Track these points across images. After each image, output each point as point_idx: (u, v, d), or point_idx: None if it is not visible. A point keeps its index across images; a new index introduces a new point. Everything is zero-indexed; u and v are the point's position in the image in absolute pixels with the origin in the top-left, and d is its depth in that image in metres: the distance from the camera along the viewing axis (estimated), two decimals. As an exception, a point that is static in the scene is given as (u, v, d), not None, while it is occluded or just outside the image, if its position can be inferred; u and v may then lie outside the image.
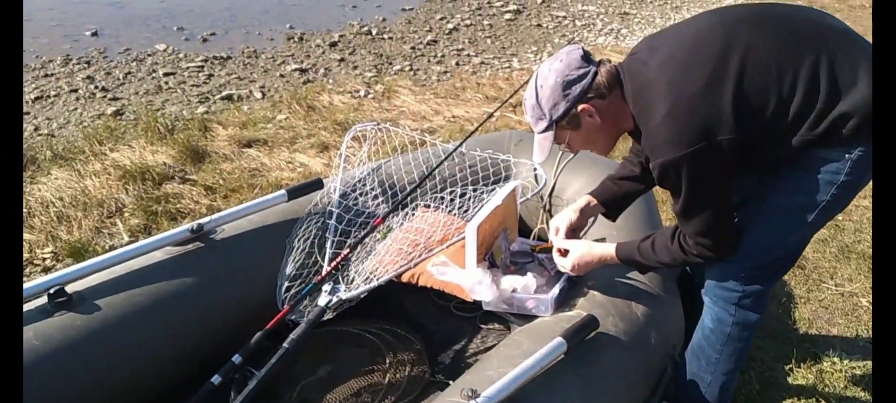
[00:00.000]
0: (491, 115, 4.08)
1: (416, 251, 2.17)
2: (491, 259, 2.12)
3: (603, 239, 2.08)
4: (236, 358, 1.95)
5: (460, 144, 2.62)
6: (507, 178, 2.58)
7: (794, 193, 1.68)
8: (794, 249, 1.81)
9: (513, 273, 2.13)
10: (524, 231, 2.61)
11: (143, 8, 7.90)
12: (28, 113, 4.84)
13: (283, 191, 2.30)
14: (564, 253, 1.97)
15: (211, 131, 4.00)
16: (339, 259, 2.20)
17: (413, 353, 2.25)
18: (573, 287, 2.08)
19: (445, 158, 2.51)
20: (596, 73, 1.70)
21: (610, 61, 1.75)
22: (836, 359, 2.43)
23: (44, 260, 2.72)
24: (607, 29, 7.90)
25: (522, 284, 2.02)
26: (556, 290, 2.00)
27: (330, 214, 2.32)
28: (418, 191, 2.48)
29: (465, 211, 2.37)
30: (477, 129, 3.08)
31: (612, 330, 1.82)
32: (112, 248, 2.85)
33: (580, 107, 1.70)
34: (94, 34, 6.82)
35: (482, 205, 2.14)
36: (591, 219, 2.14)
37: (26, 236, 2.84)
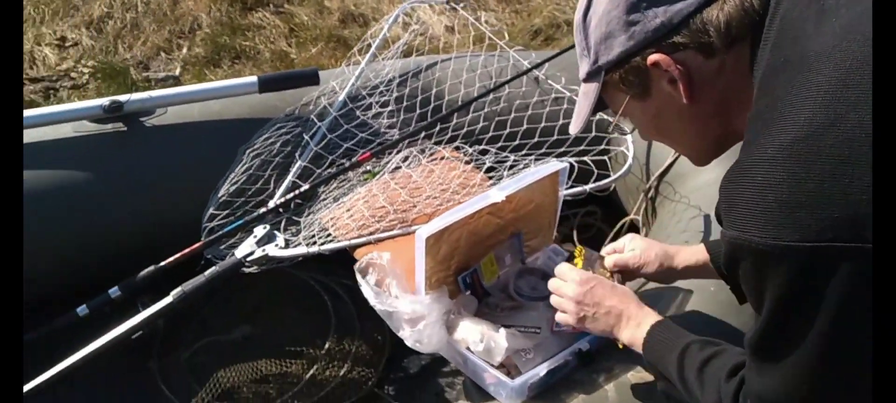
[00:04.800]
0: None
1: (386, 219, 1.47)
2: (470, 278, 1.35)
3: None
4: (113, 292, 1.51)
5: (540, 64, 1.74)
6: (597, 141, 1.66)
7: None
8: None
9: (505, 310, 1.35)
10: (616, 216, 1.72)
11: None
12: None
13: (253, 78, 1.68)
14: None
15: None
16: (293, 193, 1.59)
17: (366, 346, 1.64)
18: (582, 369, 1.25)
19: (492, 90, 1.68)
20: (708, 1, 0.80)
21: None
22: None
23: (82, 74, 2.48)
24: None
25: (488, 339, 1.24)
26: (540, 370, 1.20)
27: (314, 124, 1.67)
28: (449, 122, 1.71)
29: (500, 177, 1.57)
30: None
31: None
32: (165, 81, 2.54)
33: (652, 56, 0.83)
34: None
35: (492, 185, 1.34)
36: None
37: (85, 40, 2.61)
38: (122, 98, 1.54)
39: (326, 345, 1.63)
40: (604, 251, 1.27)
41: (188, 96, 1.67)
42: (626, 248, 1.25)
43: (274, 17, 2.86)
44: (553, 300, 1.19)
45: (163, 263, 1.52)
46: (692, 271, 1.22)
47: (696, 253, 1.22)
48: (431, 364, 1.66)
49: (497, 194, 1.25)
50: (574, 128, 1.01)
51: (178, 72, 2.56)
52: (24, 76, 2.45)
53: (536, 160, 1.52)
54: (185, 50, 2.67)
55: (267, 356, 1.61)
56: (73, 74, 2.47)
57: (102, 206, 1.53)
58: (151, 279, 1.53)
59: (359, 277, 1.33)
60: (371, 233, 1.47)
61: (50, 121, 1.54)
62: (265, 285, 1.68)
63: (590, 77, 0.93)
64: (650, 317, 1.09)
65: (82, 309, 1.50)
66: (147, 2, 2.85)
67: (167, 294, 1.49)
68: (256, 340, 1.64)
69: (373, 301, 1.29)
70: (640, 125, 0.98)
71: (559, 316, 1.19)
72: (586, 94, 0.95)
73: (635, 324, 1.08)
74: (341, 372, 1.60)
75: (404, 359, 1.67)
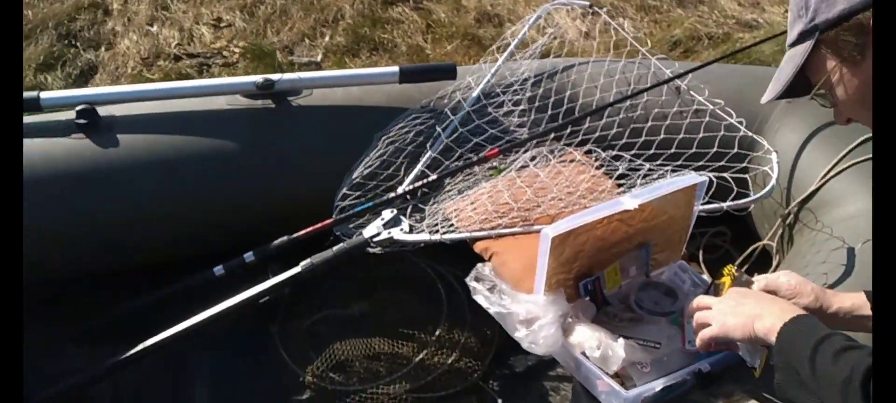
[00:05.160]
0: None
1: (509, 216, 1.47)
2: (592, 285, 1.33)
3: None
4: (248, 256, 1.60)
5: (683, 74, 1.68)
6: (738, 158, 1.58)
7: None
8: None
9: (624, 322, 1.32)
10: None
11: None
12: None
13: (395, 69, 1.74)
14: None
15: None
16: (421, 182, 1.63)
17: (475, 339, 1.65)
18: (700, 390, 1.20)
19: (631, 96, 1.63)
20: None
21: None
22: None
23: (233, 53, 2.66)
24: None
25: (605, 347, 1.21)
26: (656, 385, 1.16)
27: (447, 118, 1.70)
28: (581, 124, 1.68)
29: (632, 185, 1.53)
30: (740, 52, 2.00)
31: None
32: (307, 65, 2.67)
33: None
34: None
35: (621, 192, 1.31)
36: None
37: (238, 22, 2.80)
38: (274, 77, 1.63)
39: (437, 333, 1.66)
40: (756, 278, 1.19)
41: (333, 80, 1.76)
42: (780, 278, 1.16)
43: (412, 13, 2.94)
44: (697, 315, 1.12)
45: (295, 235, 1.61)
46: (849, 321, 1.08)
47: (855, 302, 1.09)
48: (538, 364, 1.65)
49: (630, 201, 1.21)
50: (769, 96, 0.96)
51: (319, 58, 2.70)
52: (183, 51, 2.67)
53: (672, 171, 1.46)
54: (327, 38, 2.80)
55: (380, 334, 1.67)
56: (225, 53, 2.66)
57: (247, 176, 1.63)
58: (282, 248, 1.62)
59: (472, 282, 1.34)
60: (492, 228, 1.48)
61: (209, 92, 1.67)
62: (384, 267, 1.74)
63: (801, 38, 0.89)
64: (798, 311, 0.97)
65: (219, 269, 1.61)
66: (296, -11, 3.02)
67: (295, 264, 1.58)
68: (371, 318, 1.69)
69: (486, 304, 1.30)
70: (845, 96, 0.90)
71: (699, 326, 1.10)
72: (791, 59, 0.91)
73: (777, 316, 0.96)
74: (449, 361, 1.62)
75: (511, 357, 1.67)
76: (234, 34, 2.76)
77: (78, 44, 2.68)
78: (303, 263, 1.56)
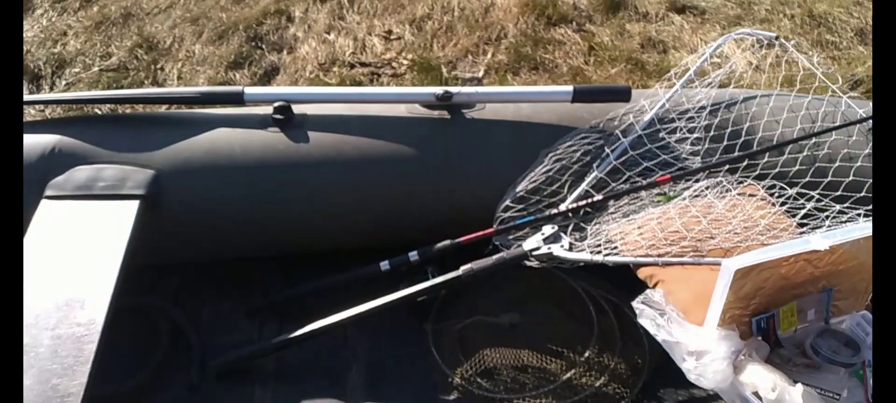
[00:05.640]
0: None
1: (679, 244, 1.44)
2: (765, 323, 1.27)
3: None
4: (412, 255, 1.69)
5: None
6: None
7: None
8: None
9: (798, 367, 1.25)
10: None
11: None
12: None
13: (569, 88, 1.75)
14: None
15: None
16: (585, 201, 1.63)
17: (625, 365, 1.63)
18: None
19: (817, 133, 1.54)
20: None
21: None
22: None
23: (401, 65, 2.79)
24: None
25: (781, 391, 1.15)
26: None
27: (617, 139, 1.70)
28: (759, 159, 1.61)
29: (816, 226, 1.45)
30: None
31: None
32: (470, 81, 2.76)
33: None
34: None
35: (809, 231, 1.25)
36: None
37: (407, 35, 2.93)
38: (453, 89, 1.71)
39: (586, 354, 1.64)
40: None
41: (507, 96, 1.81)
42: None
43: (575, 35, 2.95)
44: None
45: (459, 240, 1.67)
46: None
47: None
48: (688, 399, 1.59)
49: (820, 242, 1.16)
50: None
51: (480, 74, 2.77)
52: (356, 59, 2.84)
53: (864, 216, 1.37)
54: (489, 55, 2.87)
55: (528, 347, 1.67)
56: (394, 64, 2.80)
57: (418, 179, 1.70)
58: (444, 251, 1.69)
59: (639, 305, 1.32)
60: (660, 255, 1.45)
61: (391, 100, 1.77)
62: (537, 281, 1.75)
63: None
64: None
65: (385, 264, 1.70)
66: (462, 8, 3.12)
67: (452, 267, 1.64)
68: (521, 329, 1.70)
69: (653, 329, 1.28)
70: None
71: None
72: None
73: None
74: (597, 384, 1.60)
75: (661, 389, 1.62)
76: (403, 47, 2.90)
77: (263, 46, 2.93)
78: (463, 267, 1.61)
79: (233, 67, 2.77)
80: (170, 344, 1.70)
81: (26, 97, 2.24)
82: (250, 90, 1.73)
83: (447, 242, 1.67)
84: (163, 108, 2.06)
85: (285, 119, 1.70)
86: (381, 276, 1.70)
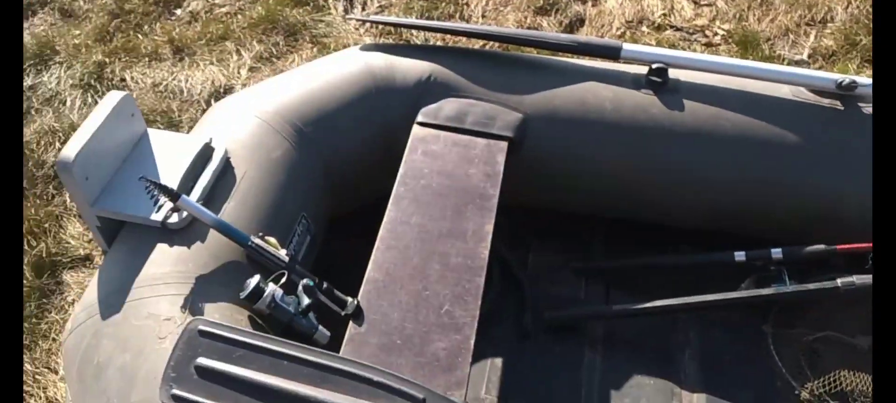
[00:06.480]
0: None
1: None
2: None
3: None
4: (775, 252, 1.58)
5: None
6: None
7: None
8: None
9: None
10: None
11: None
12: None
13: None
14: None
15: None
16: None
17: None
18: None
19: None
20: None
21: None
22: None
23: (716, 34, 2.60)
24: None
25: None
26: None
27: None
28: None
29: None
30: None
31: None
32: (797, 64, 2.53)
33: None
34: None
35: None
36: None
37: (719, 2, 2.72)
38: (860, 80, 1.54)
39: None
40: None
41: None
42: None
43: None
44: None
45: (835, 247, 1.53)
46: None
47: None
48: None
49: None
50: None
51: (805, 57, 2.53)
52: (666, 22, 2.69)
53: None
54: (812, 37, 2.61)
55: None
56: (707, 32, 2.63)
57: (796, 171, 1.56)
58: (813, 255, 1.56)
59: None
60: None
61: (775, 78, 1.63)
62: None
63: None
64: None
65: (740, 255, 1.60)
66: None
67: (808, 273, 1.53)
68: (861, 355, 1.56)
69: None
70: None
71: None
72: None
73: None
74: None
75: None
76: (715, 14, 2.71)
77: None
78: (842, 280, 1.48)
79: (540, 13, 2.74)
80: (501, 284, 1.74)
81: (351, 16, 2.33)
82: (628, 46, 1.67)
83: (821, 246, 1.54)
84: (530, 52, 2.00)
85: (661, 82, 1.63)
86: (731, 266, 1.61)
